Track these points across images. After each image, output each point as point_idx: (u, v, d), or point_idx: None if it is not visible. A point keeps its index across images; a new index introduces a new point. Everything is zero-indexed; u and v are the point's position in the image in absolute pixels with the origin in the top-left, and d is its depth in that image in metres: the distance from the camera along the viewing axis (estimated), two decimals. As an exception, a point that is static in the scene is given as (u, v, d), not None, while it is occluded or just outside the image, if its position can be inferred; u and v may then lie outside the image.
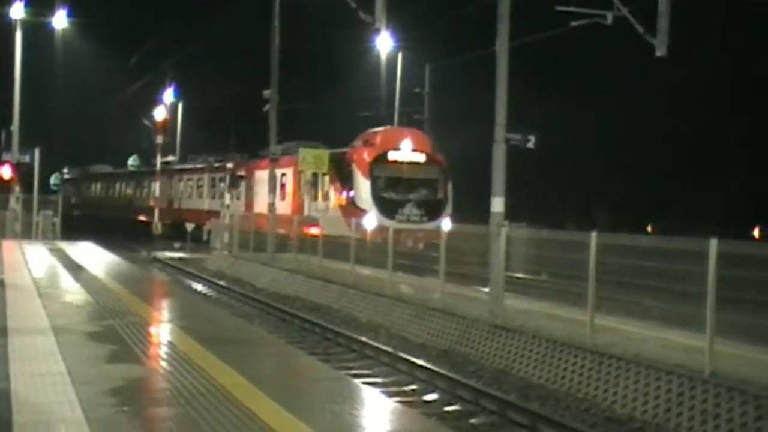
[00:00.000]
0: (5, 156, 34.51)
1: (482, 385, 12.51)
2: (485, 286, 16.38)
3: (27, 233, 34.44)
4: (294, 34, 33.95)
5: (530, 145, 15.58)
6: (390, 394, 11.14)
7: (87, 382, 8.01)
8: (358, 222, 23.47)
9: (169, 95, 54.09)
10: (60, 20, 35.69)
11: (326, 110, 49.12)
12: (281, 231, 29.23)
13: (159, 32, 54.79)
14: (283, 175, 35.07)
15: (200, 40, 49.69)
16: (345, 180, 31.02)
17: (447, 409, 11.69)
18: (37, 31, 35.93)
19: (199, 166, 46.59)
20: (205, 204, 44.28)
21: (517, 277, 19.36)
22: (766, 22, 47.29)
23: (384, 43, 37.71)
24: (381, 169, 30.34)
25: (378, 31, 24.37)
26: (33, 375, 8.34)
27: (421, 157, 30.84)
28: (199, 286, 26.46)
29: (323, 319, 18.95)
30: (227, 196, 40.79)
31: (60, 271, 20.08)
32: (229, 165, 41.42)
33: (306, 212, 32.06)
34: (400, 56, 41.16)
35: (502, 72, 15.52)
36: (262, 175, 35.74)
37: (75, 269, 20.47)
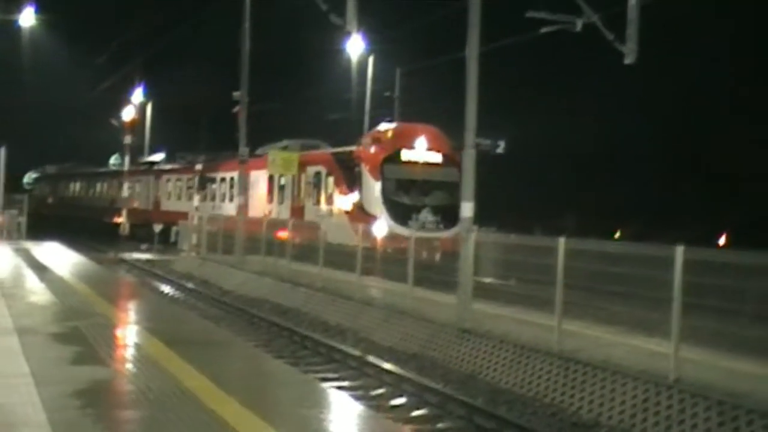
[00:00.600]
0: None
1: (450, 390, 12.52)
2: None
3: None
4: (265, 35, 33.79)
5: (500, 150, 15.64)
6: (357, 398, 11.13)
7: (51, 384, 7.91)
8: (367, 229, 21.48)
9: (138, 95, 53.70)
10: (27, 18, 35.31)
11: (297, 112, 49.05)
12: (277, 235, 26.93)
13: (128, 31, 54.37)
14: (281, 175, 32.89)
15: (171, 39, 49.18)
16: (352, 182, 27.86)
17: (414, 413, 11.69)
18: (3, 28, 35.52)
19: (177, 166, 45.36)
20: (189, 206, 41.07)
21: (486, 282, 19.37)
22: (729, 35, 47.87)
23: (355, 46, 37.70)
24: (393, 170, 26.94)
25: (349, 34, 24.39)
26: (-4, 376, 8.24)
27: (437, 157, 27.30)
28: (166, 288, 26.28)
29: (291, 322, 18.89)
30: (196, 197, 40.55)
31: (25, 272, 19.85)
32: (198, 166, 41.16)
33: (306, 217, 29.54)
34: (371, 59, 41.16)
35: (472, 77, 15.56)
36: (256, 176, 33.84)
37: (40, 270, 20.25)
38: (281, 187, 33.06)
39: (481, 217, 17.99)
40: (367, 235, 20.31)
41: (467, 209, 15.58)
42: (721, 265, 11.09)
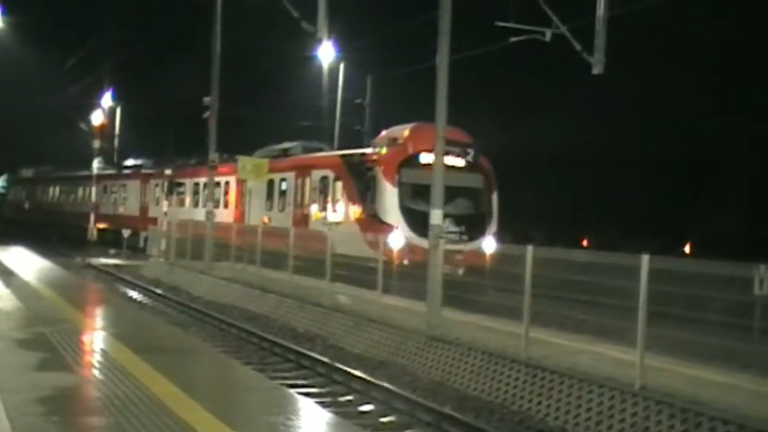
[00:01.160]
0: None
1: (418, 396, 12.56)
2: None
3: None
4: (236, 41, 33.70)
5: (469, 158, 15.72)
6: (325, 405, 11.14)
7: (14, 391, 7.85)
8: (383, 240, 19.07)
9: (107, 99, 53.40)
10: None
11: (267, 119, 48.99)
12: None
13: (98, 35, 54.07)
14: (283, 180, 30.41)
15: (141, 44, 48.94)
16: (364, 187, 25.11)
17: (382, 420, 11.71)
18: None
19: (169, 171, 42.16)
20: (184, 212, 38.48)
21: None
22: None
23: (326, 53, 37.72)
24: (411, 174, 24.10)
25: (320, 41, 24.37)
26: (-40, 383, 8.16)
27: (460, 161, 24.47)
28: (134, 294, 26.12)
29: (260, 328, 18.85)
30: (165, 203, 40.33)
31: (-10, 277, 19.67)
32: (168, 171, 40.93)
33: (312, 226, 27.20)
34: (342, 66, 41.23)
35: (442, 85, 15.65)
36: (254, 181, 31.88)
37: (5, 274, 20.08)
38: (282, 193, 30.66)
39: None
40: (382, 246, 18.46)
41: (436, 216, 15.64)
42: (686, 274, 11.23)
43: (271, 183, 31.02)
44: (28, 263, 24.69)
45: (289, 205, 29.74)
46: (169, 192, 40.01)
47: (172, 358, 10.32)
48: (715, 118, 47.37)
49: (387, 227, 22.93)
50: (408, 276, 18.90)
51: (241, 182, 33.37)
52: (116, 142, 58.93)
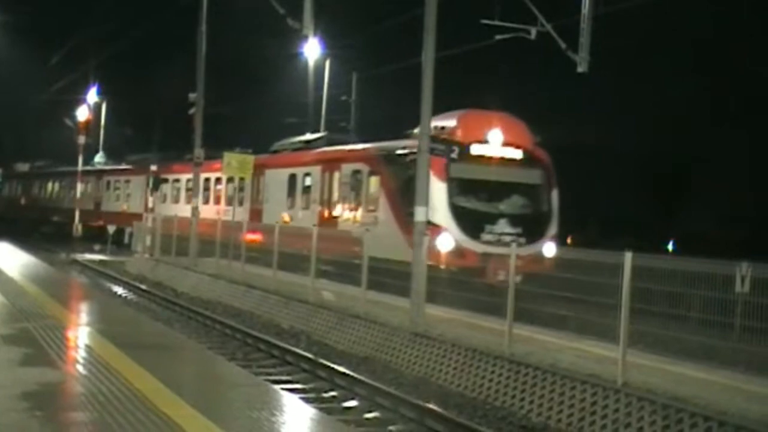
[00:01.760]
0: None
1: (402, 393, 12.60)
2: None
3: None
4: (221, 38, 33.61)
5: (454, 156, 15.77)
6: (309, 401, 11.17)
7: (-1, 386, 7.86)
8: (430, 243, 16.80)
9: (92, 95, 53.23)
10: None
11: (253, 115, 48.93)
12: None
13: (82, 30, 53.87)
14: (306, 175, 27.86)
15: (127, 39, 48.77)
16: (405, 183, 21.67)
17: (366, 416, 11.76)
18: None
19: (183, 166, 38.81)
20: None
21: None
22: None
23: (311, 50, 37.73)
24: (462, 168, 21.39)
25: (306, 38, 24.36)
26: (-57, 378, 8.16)
27: (517, 153, 21.97)
28: (119, 290, 26.08)
29: (244, 324, 18.86)
30: (150, 199, 40.19)
31: (-26, 272, 19.61)
32: (153, 167, 40.77)
33: (341, 225, 24.58)
34: (327, 63, 41.23)
35: (428, 83, 15.68)
36: (273, 176, 29.75)
37: (-10, 270, 20.02)
38: (305, 189, 27.89)
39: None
40: (428, 249, 16.49)
41: (420, 214, 15.67)
42: (667, 271, 11.33)
43: (292, 178, 28.77)
44: (11, 259, 24.60)
45: (314, 203, 27.09)
46: (154, 188, 39.70)
47: (157, 354, 10.33)
48: (698, 120, 47.62)
49: (434, 228, 19.66)
50: (458, 284, 16.96)
51: (256, 177, 30.68)
52: (101, 137, 58.70)
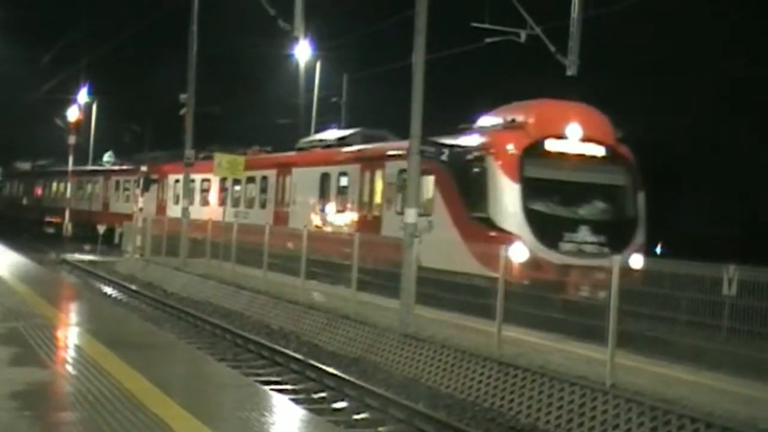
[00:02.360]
0: None
1: (391, 394, 12.63)
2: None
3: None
4: (213, 39, 33.58)
5: (443, 158, 15.79)
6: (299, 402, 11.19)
7: (-12, 386, 7.85)
8: (502, 253, 14.18)
9: (83, 95, 53.11)
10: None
11: (244, 116, 48.91)
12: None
13: (73, 29, 53.71)
14: (342, 174, 25.07)
15: (116, 39, 48.63)
16: (468, 183, 19.46)
17: (356, 417, 11.78)
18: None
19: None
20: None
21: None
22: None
23: (302, 51, 37.75)
24: (537, 167, 18.72)
25: (297, 39, 24.35)
26: (-68, 377, 8.14)
27: (599, 150, 19.20)
28: (108, 290, 26.04)
29: (234, 324, 18.86)
30: (140, 199, 40.09)
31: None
32: (143, 167, 40.68)
33: (386, 230, 21.71)
34: (318, 65, 41.26)
35: (418, 84, 15.71)
36: (301, 175, 27.21)
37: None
38: (341, 190, 25.16)
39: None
40: (495, 260, 14.31)
41: (410, 215, 15.69)
42: (656, 274, 11.40)
43: (325, 178, 25.90)
44: (1, 259, 24.54)
45: (351, 205, 24.47)
46: (144, 188, 39.50)
47: (146, 354, 10.33)
48: (682, 120, 47.79)
49: (504, 235, 17.70)
50: (531, 299, 14.67)
51: (281, 177, 28.62)
52: (92, 137, 58.56)
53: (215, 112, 42.13)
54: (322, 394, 12.98)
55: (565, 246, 17.84)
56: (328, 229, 24.48)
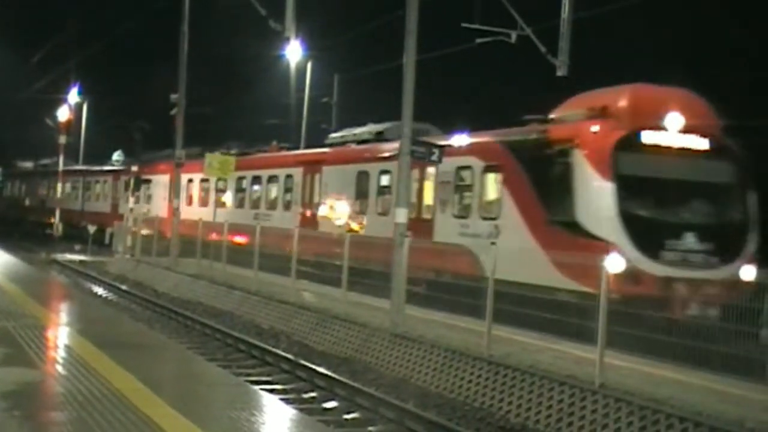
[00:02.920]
0: None
1: (381, 393, 12.65)
2: None
3: None
4: (203, 39, 33.52)
5: (434, 158, 15.82)
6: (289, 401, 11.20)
7: (-24, 386, 7.83)
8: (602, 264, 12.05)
9: (73, 94, 52.97)
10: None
11: (235, 116, 48.85)
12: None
13: (63, 30, 53.53)
14: (383, 173, 22.35)
15: (107, 39, 48.56)
16: (548, 182, 17.11)
17: (346, 416, 11.80)
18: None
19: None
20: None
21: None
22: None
23: (293, 51, 37.74)
24: (633, 162, 16.25)
25: (288, 39, 24.32)
26: None
27: (703, 143, 16.63)
28: (99, 290, 25.99)
29: (224, 324, 18.85)
30: (131, 199, 39.95)
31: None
32: (134, 168, 40.54)
33: (438, 235, 19.75)
34: (309, 65, 41.26)
35: (409, 85, 15.73)
36: (333, 173, 24.83)
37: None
38: (381, 190, 22.56)
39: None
40: (585, 271, 12.87)
41: (401, 215, 15.71)
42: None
43: (363, 176, 23.40)
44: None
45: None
46: (135, 188, 39.18)
47: (137, 354, 10.32)
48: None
49: (596, 243, 15.45)
50: (632, 319, 12.58)
51: (308, 176, 26.32)
52: (82, 137, 58.42)
53: (205, 112, 42.05)
54: (313, 394, 13.00)
55: (669, 255, 15.51)
56: (363, 232, 22.09)
